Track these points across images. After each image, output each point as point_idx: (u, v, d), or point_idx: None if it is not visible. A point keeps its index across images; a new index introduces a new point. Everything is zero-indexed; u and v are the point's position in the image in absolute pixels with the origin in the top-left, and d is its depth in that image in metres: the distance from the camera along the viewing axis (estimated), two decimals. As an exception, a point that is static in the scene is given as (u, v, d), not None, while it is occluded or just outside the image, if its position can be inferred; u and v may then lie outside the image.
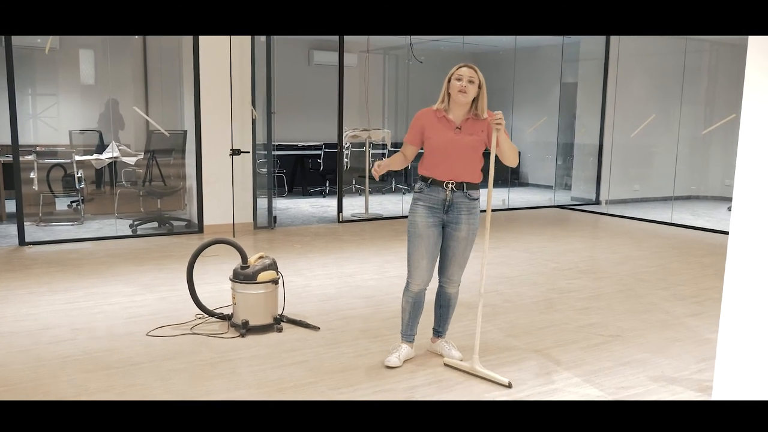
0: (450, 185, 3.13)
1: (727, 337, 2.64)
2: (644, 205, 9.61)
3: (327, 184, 10.16)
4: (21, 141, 5.98)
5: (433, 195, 3.16)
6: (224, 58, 6.53)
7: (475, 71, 3.10)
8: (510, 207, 9.24)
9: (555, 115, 10.35)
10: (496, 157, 3.15)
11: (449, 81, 3.12)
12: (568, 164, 10.37)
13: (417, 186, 3.23)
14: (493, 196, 10.47)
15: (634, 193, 9.96)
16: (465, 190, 3.15)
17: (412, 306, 3.32)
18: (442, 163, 3.13)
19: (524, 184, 11.94)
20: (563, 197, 10.00)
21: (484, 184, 3.23)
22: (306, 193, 10.16)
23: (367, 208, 8.45)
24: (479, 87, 3.10)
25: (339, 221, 7.75)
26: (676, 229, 7.72)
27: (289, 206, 8.95)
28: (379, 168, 3.16)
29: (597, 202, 9.61)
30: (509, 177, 11.10)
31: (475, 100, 3.12)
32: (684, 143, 9.58)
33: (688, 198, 10.30)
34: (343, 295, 4.61)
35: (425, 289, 3.31)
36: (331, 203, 9.01)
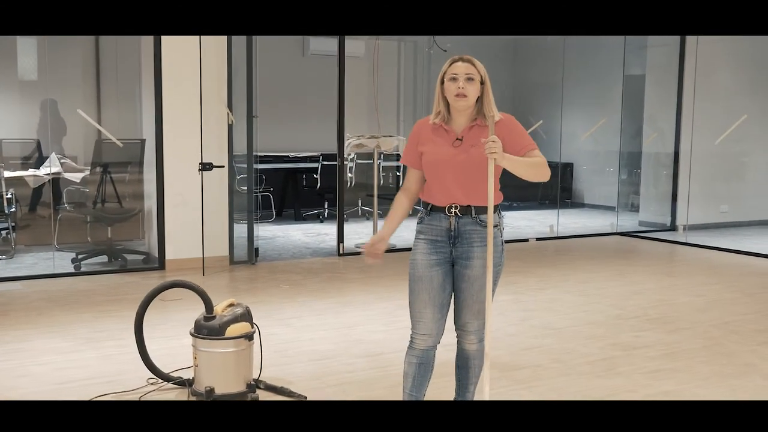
0: (453, 210, 3.03)
1: None
2: (734, 231, 9.42)
3: (326, 206, 10.11)
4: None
5: (434, 225, 3.07)
6: (193, 50, 6.50)
7: (473, 64, 3.01)
8: (560, 235, 9.11)
9: (617, 116, 10.22)
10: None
11: (442, 83, 3.03)
12: (634, 179, 10.22)
13: (419, 214, 3.15)
14: (538, 220, 10.29)
15: (722, 217, 9.78)
16: (474, 215, 3.03)
17: (417, 368, 3.14)
18: (440, 183, 3.03)
19: (578, 205, 11.80)
20: (629, 222, 9.85)
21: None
22: (299, 218, 10.10)
23: (375, 237, 8.36)
24: (482, 83, 3.00)
25: (339, 254, 7.67)
26: (777, 263, 7.55)
27: (276, 234, 8.89)
28: (374, 247, 3.08)
29: (673, 228, 9.46)
30: (558, 195, 10.94)
31: (479, 100, 3.02)
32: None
33: (792, 222, 10.10)
34: (340, 353, 4.53)
35: (435, 347, 3.16)
36: (330, 230, 8.90)
